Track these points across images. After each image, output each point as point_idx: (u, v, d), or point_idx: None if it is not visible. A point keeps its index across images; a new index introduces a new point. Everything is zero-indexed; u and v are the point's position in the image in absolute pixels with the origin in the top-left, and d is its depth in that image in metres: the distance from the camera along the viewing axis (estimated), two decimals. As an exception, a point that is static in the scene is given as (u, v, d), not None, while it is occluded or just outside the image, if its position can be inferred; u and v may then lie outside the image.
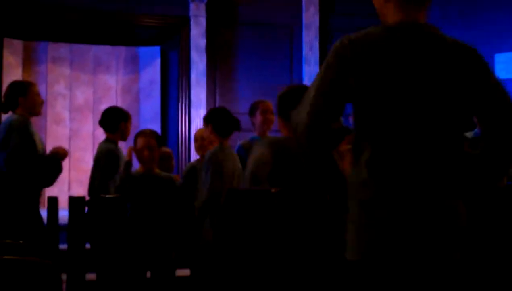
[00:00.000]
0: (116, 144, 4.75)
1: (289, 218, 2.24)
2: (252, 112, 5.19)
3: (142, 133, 4.41)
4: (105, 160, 4.68)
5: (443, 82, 1.89)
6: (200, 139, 4.98)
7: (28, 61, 8.00)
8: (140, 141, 4.30)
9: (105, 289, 4.14)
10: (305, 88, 2.44)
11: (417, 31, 1.92)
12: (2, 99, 4.67)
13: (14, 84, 4.72)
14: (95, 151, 8.51)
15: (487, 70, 1.94)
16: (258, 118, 5.11)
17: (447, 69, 1.89)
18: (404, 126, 1.87)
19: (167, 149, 5.32)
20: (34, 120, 4.75)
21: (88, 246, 4.39)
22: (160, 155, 4.45)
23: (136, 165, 4.41)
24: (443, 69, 1.89)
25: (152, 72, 8.36)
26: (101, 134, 8.12)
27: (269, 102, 5.20)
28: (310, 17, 8.08)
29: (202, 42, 7.65)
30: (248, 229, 2.36)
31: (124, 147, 4.81)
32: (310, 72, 7.98)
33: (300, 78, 7.98)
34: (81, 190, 7.43)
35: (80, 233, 4.19)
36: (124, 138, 4.86)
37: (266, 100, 5.23)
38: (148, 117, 8.23)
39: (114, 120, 4.83)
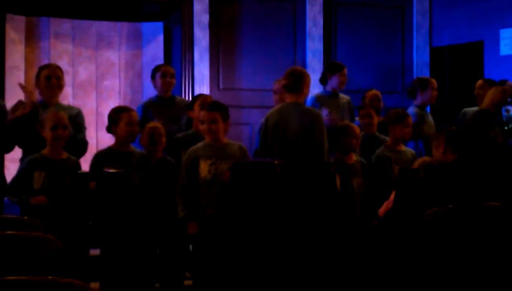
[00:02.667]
0: None
1: (293, 189, 2.24)
2: (152, 76, 5.41)
3: (124, 109, 4.44)
4: None
5: (304, 128, 4.57)
6: None
7: (31, 37, 7.96)
8: (127, 117, 4.33)
9: (108, 264, 4.16)
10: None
11: (295, 106, 4.68)
12: None
13: None
14: (98, 127, 8.52)
15: (321, 124, 4.67)
16: (158, 81, 5.30)
17: (305, 122, 4.59)
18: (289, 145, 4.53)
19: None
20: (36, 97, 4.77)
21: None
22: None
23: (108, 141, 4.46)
24: (304, 122, 4.59)
25: (155, 48, 8.32)
26: (104, 111, 8.14)
27: (169, 66, 5.44)
28: (314, -8, 8.01)
29: (205, 18, 7.60)
30: (254, 200, 2.36)
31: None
32: (314, 47, 7.94)
33: (304, 53, 7.94)
34: (85, 166, 7.44)
35: (84, 209, 4.21)
36: None
37: (167, 65, 5.46)
38: (151, 93, 8.17)
39: None
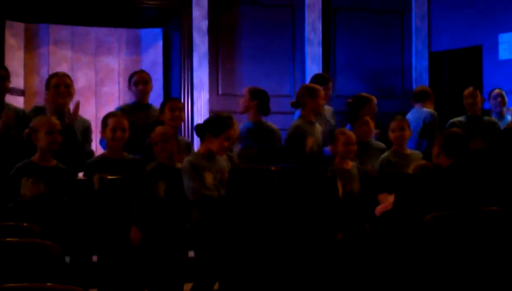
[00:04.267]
0: None
1: (290, 195, 2.24)
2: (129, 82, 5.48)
3: (112, 114, 4.42)
4: None
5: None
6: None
7: (30, 44, 7.97)
8: (112, 122, 4.31)
9: (106, 271, 4.16)
10: None
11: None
12: None
13: None
14: (98, 133, 8.53)
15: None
16: (133, 89, 5.33)
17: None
18: None
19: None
20: (38, 103, 4.78)
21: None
22: None
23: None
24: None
25: (154, 54, 8.32)
26: (103, 117, 8.13)
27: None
28: (313, -3, 8.02)
29: (204, 24, 7.61)
30: (250, 205, 2.36)
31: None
32: (313, 53, 7.95)
33: (303, 59, 7.95)
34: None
35: (84, 214, 4.21)
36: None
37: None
38: (150, 99, 8.18)
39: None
